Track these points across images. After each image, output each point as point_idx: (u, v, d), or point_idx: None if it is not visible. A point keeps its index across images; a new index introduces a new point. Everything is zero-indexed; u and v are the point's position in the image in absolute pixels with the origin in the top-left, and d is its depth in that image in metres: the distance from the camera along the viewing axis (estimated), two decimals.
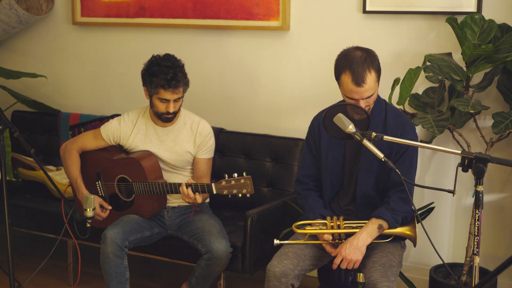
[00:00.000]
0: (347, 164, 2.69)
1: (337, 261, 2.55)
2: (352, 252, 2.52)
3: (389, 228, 2.58)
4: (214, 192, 2.83)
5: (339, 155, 2.69)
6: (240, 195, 2.81)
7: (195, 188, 2.88)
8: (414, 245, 2.65)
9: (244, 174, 2.79)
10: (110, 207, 2.81)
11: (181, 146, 3.13)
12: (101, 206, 3.09)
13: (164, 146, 3.14)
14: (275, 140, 3.51)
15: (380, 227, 2.55)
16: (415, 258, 3.40)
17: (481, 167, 2.11)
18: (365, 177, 2.65)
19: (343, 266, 2.55)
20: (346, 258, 2.53)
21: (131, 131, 3.16)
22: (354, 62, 2.50)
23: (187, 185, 2.89)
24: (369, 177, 2.64)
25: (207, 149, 3.16)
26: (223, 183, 2.81)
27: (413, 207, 2.45)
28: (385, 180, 2.65)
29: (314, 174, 2.76)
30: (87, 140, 3.21)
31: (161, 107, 3.02)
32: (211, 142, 3.17)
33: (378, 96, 2.67)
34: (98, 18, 4.10)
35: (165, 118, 3.07)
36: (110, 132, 3.17)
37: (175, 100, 3.01)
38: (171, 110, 3.01)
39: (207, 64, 3.83)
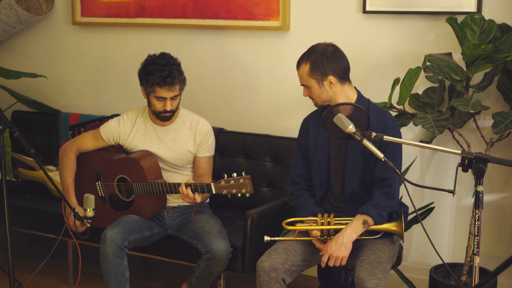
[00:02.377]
0: (332, 163, 2.73)
1: (324, 259, 2.58)
2: (338, 249, 2.54)
3: (375, 223, 2.60)
4: (213, 192, 2.83)
5: (325, 154, 2.74)
6: (239, 195, 2.81)
7: (195, 188, 2.88)
8: (402, 241, 2.67)
9: (243, 174, 2.79)
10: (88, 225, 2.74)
11: (181, 145, 3.13)
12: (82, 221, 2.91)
13: (164, 146, 3.13)
14: (275, 140, 3.51)
15: (364, 223, 2.58)
16: (415, 258, 3.40)
17: (481, 167, 2.11)
18: (352, 175, 2.68)
19: (331, 264, 2.57)
20: (332, 255, 2.56)
21: (131, 130, 3.16)
22: (309, 49, 2.71)
23: (187, 185, 2.89)
24: (355, 175, 2.68)
25: (207, 147, 3.16)
26: (222, 183, 2.81)
27: (413, 206, 2.44)
28: (371, 177, 2.67)
29: (305, 174, 2.81)
30: (87, 141, 3.21)
31: (158, 105, 3.02)
32: (211, 140, 3.17)
33: (361, 95, 2.72)
34: (98, 18, 4.10)
35: (163, 117, 3.06)
36: (110, 132, 3.17)
37: (172, 98, 3.01)
38: (168, 108, 3.01)
39: (207, 64, 3.83)
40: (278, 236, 2.98)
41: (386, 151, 2.60)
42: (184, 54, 3.40)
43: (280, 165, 3.47)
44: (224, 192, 2.81)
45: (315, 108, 2.84)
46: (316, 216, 2.68)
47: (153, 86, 2.98)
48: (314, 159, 2.75)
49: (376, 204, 2.60)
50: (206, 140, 3.15)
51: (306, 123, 2.81)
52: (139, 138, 3.15)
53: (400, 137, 2.70)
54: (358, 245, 2.65)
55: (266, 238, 2.68)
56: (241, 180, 2.78)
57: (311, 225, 2.64)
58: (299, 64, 2.70)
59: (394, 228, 2.63)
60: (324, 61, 2.62)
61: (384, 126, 2.64)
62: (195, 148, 3.14)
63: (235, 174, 2.80)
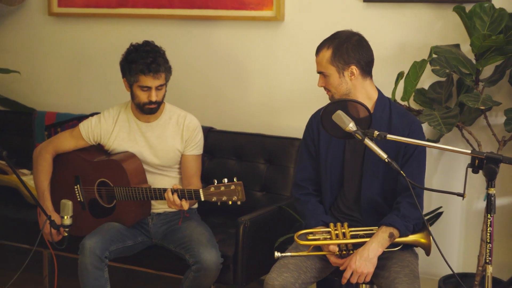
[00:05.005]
0: (346, 165, 2.69)
1: (346, 275, 2.52)
2: (363, 264, 2.50)
3: (401, 236, 2.57)
4: (202, 198, 2.82)
5: (338, 156, 2.69)
6: (230, 202, 2.80)
7: (182, 194, 2.87)
8: (427, 254, 2.63)
9: (234, 180, 2.78)
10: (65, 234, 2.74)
11: (167, 143, 3.13)
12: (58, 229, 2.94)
13: (149, 144, 3.13)
14: (269, 140, 3.50)
15: (391, 236, 2.54)
16: (423, 268, 3.37)
17: (492, 168, 2.11)
18: (370, 182, 2.64)
19: (354, 280, 2.52)
20: (357, 271, 2.50)
21: (113, 128, 3.16)
22: (332, 35, 2.66)
23: (173, 191, 2.87)
24: (375, 182, 2.64)
25: (195, 144, 3.16)
26: (212, 189, 2.80)
27: (420, 211, 2.43)
28: (392, 185, 2.64)
29: (313, 177, 2.76)
30: (65, 141, 3.19)
31: (143, 96, 3.02)
32: (199, 136, 3.17)
33: (382, 94, 2.69)
34: (77, 9, 4.09)
35: (147, 109, 3.06)
36: (90, 130, 3.16)
37: (157, 88, 3.02)
38: (153, 98, 3.01)
39: (195, 57, 3.82)
40: (274, 246, 2.96)
41: (413, 157, 2.59)
42: (170, 47, 3.38)
43: (275, 167, 3.47)
44: (214, 199, 2.80)
45: (317, 105, 2.81)
46: (327, 225, 2.63)
47: (137, 75, 2.99)
48: (326, 161, 2.71)
49: (403, 216, 2.55)
50: (194, 136, 3.14)
51: (317, 121, 2.75)
52: (123, 137, 3.15)
53: (423, 140, 2.66)
54: (383, 256, 2.58)
55: (277, 254, 2.59)
56: (232, 187, 2.77)
57: (326, 239, 2.58)
58: (319, 49, 2.64)
59: (422, 240, 2.59)
60: (349, 48, 2.58)
61: (410, 130, 2.61)
62: (183, 145, 3.14)
63: (226, 180, 2.79)
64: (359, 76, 2.61)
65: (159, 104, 3.06)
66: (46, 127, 3.96)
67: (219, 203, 2.81)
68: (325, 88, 2.66)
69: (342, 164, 2.69)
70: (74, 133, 3.19)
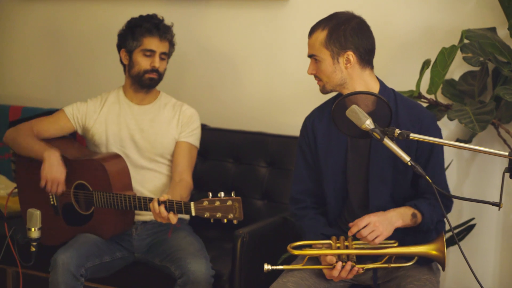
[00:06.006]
0: (350, 171, 2.68)
1: (361, 223, 2.46)
2: (383, 221, 2.47)
3: (422, 226, 2.55)
4: (193, 213, 2.82)
5: (340, 162, 2.69)
6: (225, 220, 2.80)
7: (170, 206, 2.86)
8: (443, 269, 2.61)
9: (232, 195, 2.78)
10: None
11: (162, 127, 3.23)
12: None
13: (140, 127, 3.23)
14: (271, 139, 3.52)
15: (414, 216, 2.54)
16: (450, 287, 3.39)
17: None
18: (378, 188, 2.63)
19: (365, 233, 2.45)
20: (374, 224, 2.45)
21: (100, 109, 3.28)
22: (329, 15, 2.67)
23: (160, 202, 2.86)
24: (383, 188, 2.63)
25: (191, 131, 3.26)
26: (205, 203, 2.80)
27: (448, 223, 2.41)
28: (404, 191, 2.64)
29: (311, 188, 2.77)
30: (46, 122, 3.27)
31: (145, 62, 3.18)
32: (196, 125, 3.29)
33: (384, 85, 2.68)
34: None
35: (147, 80, 3.20)
36: (76, 108, 3.28)
37: (161, 57, 3.20)
38: (157, 64, 3.18)
39: (185, 43, 3.81)
40: (277, 263, 2.94)
41: (432, 157, 2.59)
42: None
43: (277, 171, 3.48)
44: (206, 215, 2.80)
45: (326, 98, 2.79)
46: (329, 239, 2.61)
47: (142, 37, 3.18)
48: (327, 167, 2.70)
49: (431, 204, 2.56)
50: (191, 122, 3.27)
51: (311, 123, 2.75)
52: (112, 119, 3.26)
53: (440, 138, 2.66)
54: (396, 274, 2.59)
55: (267, 267, 2.58)
56: (229, 203, 2.77)
57: (323, 249, 2.57)
58: (313, 30, 2.64)
59: (434, 252, 2.56)
60: (347, 31, 2.58)
61: (422, 126, 2.59)
62: (178, 130, 3.25)
63: (222, 194, 2.79)
64: (356, 65, 2.60)
65: (160, 75, 3.22)
66: (10, 124, 3.95)
67: (212, 220, 2.82)
68: (316, 77, 2.66)
69: (344, 170, 2.69)
70: (56, 115, 3.28)
